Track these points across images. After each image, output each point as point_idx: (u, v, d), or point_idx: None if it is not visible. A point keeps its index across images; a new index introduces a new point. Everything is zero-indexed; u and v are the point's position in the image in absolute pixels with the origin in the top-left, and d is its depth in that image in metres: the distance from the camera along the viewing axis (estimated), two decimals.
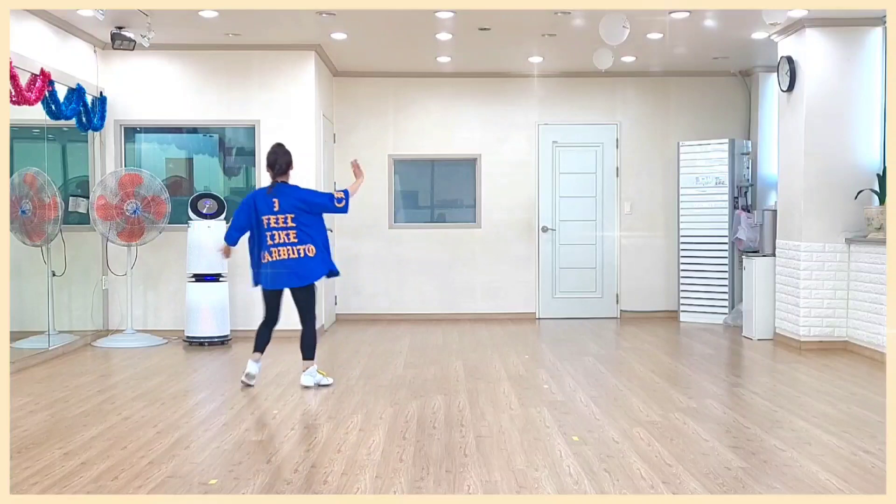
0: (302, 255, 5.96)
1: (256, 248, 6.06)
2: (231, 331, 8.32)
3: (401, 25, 7.72)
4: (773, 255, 8.26)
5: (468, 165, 10.17)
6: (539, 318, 10.11)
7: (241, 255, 8.49)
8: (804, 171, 7.60)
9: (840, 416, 5.18)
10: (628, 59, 9.06)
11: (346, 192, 6.18)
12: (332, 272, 6.24)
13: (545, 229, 10.13)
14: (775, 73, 8.14)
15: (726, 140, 9.45)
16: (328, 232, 9.38)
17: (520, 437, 4.71)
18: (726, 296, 9.46)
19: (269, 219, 5.95)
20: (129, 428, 4.94)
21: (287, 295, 6.12)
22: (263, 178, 8.56)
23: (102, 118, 8.34)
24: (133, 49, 7.65)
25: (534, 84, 10.04)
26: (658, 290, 10.16)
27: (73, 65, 7.81)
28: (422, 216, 10.33)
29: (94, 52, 8.30)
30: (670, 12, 7.17)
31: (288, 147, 6.19)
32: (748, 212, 9.29)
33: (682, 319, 9.73)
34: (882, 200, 7.24)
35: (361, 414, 5.28)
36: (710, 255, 9.55)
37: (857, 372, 6.63)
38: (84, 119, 8.00)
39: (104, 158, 8.51)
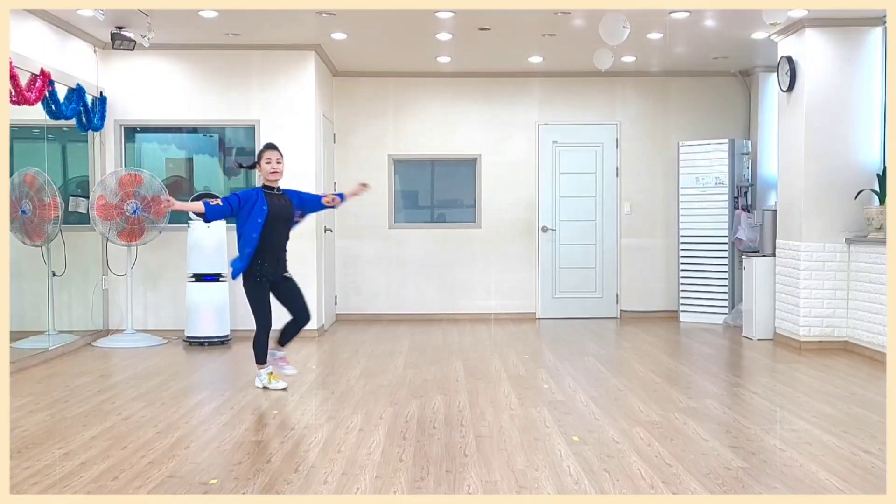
0: None
1: None
2: (231, 331, 8.32)
3: (401, 25, 7.72)
4: (773, 255, 8.26)
5: (468, 165, 10.16)
6: (539, 318, 10.11)
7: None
8: (804, 171, 7.60)
9: (840, 416, 5.18)
10: (628, 59, 9.06)
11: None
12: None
13: (545, 229, 10.13)
14: (775, 73, 8.14)
15: (726, 140, 9.44)
16: (327, 232, 9.46)
17: (520, 437, 4.71)
18: (726, 296, 9.46)
19: None
20: (129, 428, 4.94)
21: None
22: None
23: (102, 118, 8.34)
24: (133, 49, 7.65)
25: (534, 84, 10.04)
26: (658, 290, 10.16)
27: (73, 65, 7.81)
28: (422, 216, 10.33)
29: (94, 52, 8.30)
30: (670, 12, 7.17)
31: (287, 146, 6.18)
32: (748, 212, 9.28)
33: (682, 319, 9.73)
34: (882, 200, 7.24)
35: (361, 414, 5.28)
36: (710, 255, 9.55)
37: (857, 372, 6.63)
38: (84, 119, 8.00)
39: (104, 158, 8.51)
